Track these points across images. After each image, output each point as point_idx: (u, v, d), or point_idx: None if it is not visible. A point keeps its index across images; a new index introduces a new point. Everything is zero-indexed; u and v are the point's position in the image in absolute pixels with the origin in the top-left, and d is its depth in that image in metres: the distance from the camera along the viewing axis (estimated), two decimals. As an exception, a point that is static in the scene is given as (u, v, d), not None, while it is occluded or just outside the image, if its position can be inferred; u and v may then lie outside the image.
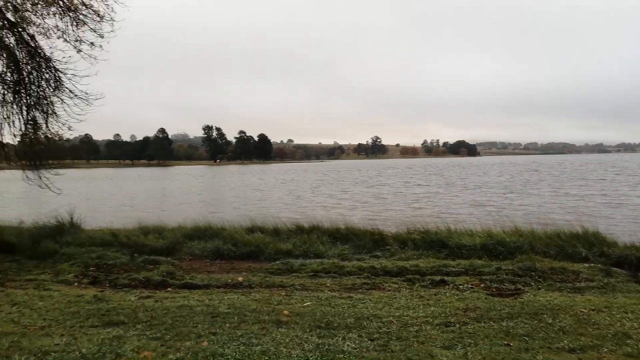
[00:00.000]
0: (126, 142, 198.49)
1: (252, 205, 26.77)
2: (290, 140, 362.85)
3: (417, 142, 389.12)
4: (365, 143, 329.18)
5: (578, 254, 8.52)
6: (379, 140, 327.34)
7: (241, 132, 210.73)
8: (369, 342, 4.40)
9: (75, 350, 4.12)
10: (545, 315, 5.16)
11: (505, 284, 6.91)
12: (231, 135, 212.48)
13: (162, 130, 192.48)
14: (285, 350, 4.14)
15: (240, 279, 7.57)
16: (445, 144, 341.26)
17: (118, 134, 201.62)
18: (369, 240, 10.21)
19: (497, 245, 8.98)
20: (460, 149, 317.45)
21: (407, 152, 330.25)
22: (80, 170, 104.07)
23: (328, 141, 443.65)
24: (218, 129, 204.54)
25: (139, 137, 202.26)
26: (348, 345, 4.29)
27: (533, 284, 6.92)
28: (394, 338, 4.50)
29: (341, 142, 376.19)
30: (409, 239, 10.05)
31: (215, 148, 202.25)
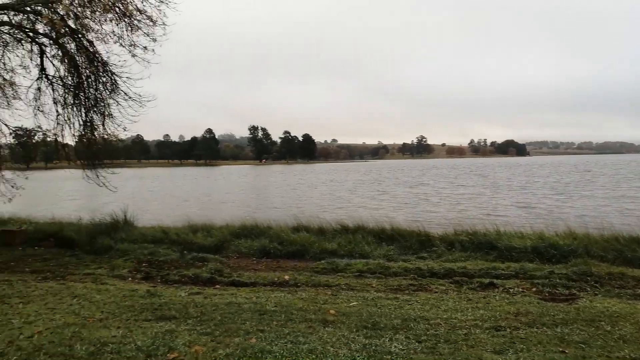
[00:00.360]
0: (175, 142, 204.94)
1: (293, 204, 26.93)
2: (334, 140, 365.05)
3: (463, 142, 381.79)
4: (410, 142, 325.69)
5: (639, 259, 8.10)
6: (424, 139, 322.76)
7: (286, 132, 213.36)
8: (417, 344, 4.34)
9: (130, 342, 4.30)
10: (603, 323, 4.92)
11: (559, 289, 6.65)
12: (276, 136, 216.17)
13: (210, 131, 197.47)
14: (332, 349, 4.15)
15: (286, 277, 7.66)
16: (493, 143, 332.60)
17: (167, 135, 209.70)
18: (414, 241, 10.12)
19: (549, 248, 8.68)
20: (509, 148, 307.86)
21: (454, 151, 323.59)
22: (131, 170, 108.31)
23: (372, 141, 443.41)
24: (263, 129, 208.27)
25: (187, 138, 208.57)
26: (395, 346, 4.25)
27: (589, 289, 6.62)
28: (442, 341, 4.43)
29: (385, 141, 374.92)
30: (456, 240, 9.88)
31: (261, 148, 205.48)
